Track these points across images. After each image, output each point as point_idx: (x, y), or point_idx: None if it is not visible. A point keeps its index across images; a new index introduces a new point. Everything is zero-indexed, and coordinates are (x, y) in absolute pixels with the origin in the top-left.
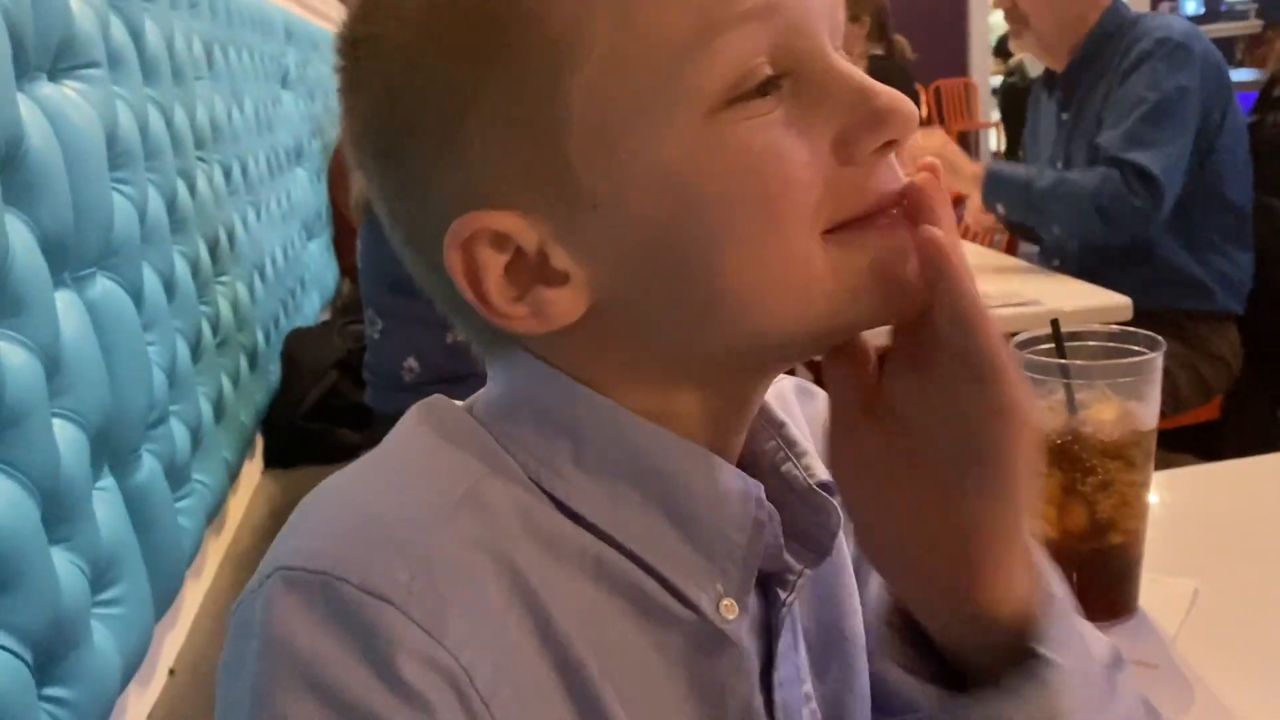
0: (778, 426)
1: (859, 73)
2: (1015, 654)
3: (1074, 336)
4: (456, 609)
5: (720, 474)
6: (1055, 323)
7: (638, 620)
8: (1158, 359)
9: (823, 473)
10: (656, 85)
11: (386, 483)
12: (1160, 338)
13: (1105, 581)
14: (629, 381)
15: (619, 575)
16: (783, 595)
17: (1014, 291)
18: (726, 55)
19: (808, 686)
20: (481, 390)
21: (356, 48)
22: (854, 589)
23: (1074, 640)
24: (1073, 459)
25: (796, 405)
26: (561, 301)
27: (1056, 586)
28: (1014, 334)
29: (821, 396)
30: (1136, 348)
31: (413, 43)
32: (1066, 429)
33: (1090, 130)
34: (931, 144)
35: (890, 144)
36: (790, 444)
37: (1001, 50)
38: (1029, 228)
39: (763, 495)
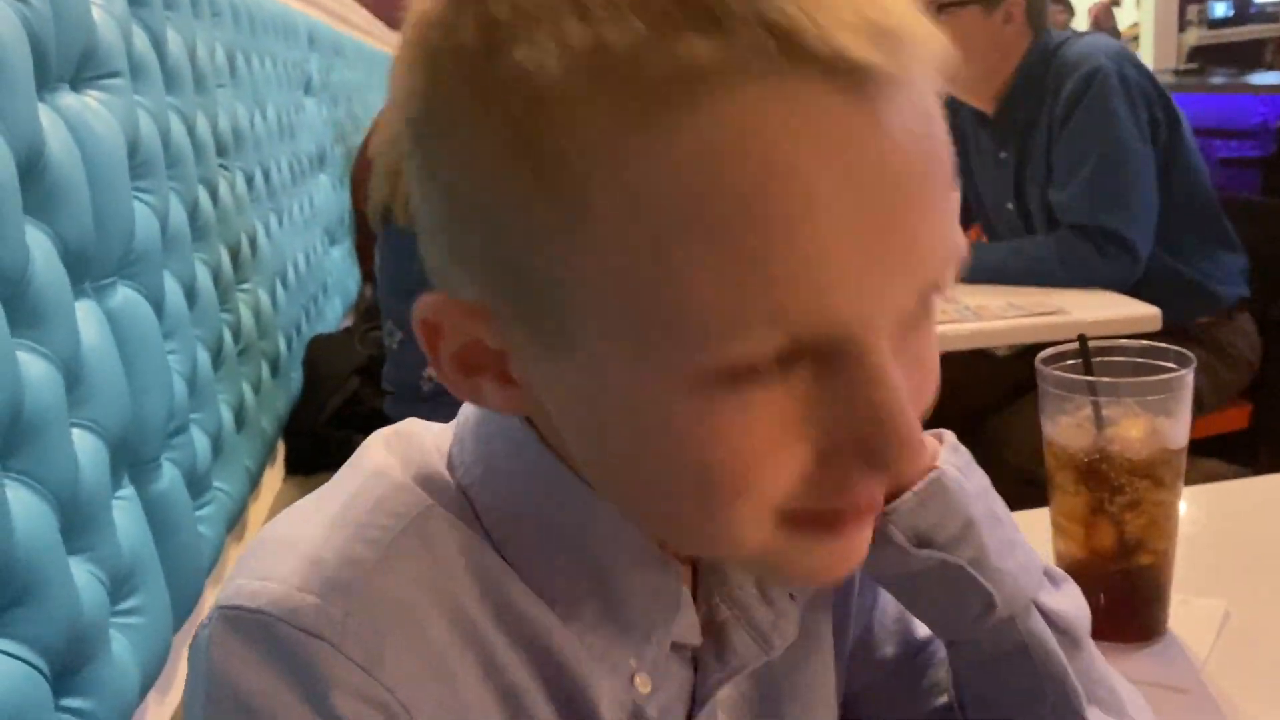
0: None
1: (894, 394)
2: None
3: (1101, 352)
4: (394, 645)
5: (650, 566)
6: (1083, 338)
7: (575, 656)
8: (1188, 375)
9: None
10: (651, 331)
11: (329, 519)
12: (1190, 354)
13: (1133, 603)
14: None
15: (546, 635)
16: (717, 674)
17: (1040, 301)
18: (740, 351)
19: None
20: (465, 408)
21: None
22: (824, 646)
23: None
24: (1100, 478)
25: None
26: (507, 402)
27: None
28: (1040, 346)
29: None
30: (1166, 364)
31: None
32: (1094, 447)
33: (1039, 173)
34: None
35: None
36: None
37: None
38: None
39: (682, 579)
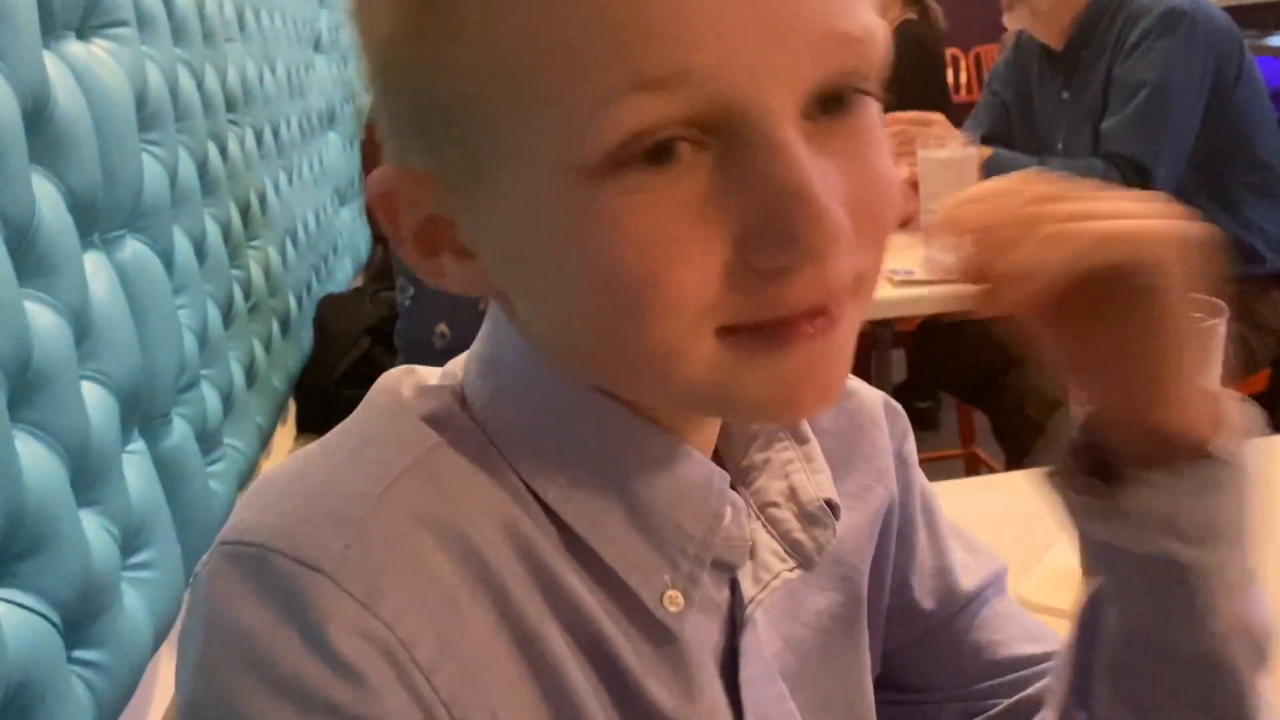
0: (802, 441)
1: (797, 167)
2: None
3: None
4: (394, 579)
5: (680, 461)
6: None
7: (594, 596)
8: (1220, 325)
9: (831, 492)
10: (533, 127)
11: (336, 454)
12: (1222, 303)
13: None
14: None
15: (573, 553)
16: (750, 592)
17: None
18: (611, 123)
19: (782, 687)
20: (477, 341)
21: None
22: (862, 616)
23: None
24: None
25: (884, 424)
26: (466, 278)
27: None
28: None
29: (904, 418)
30: (1196, 314)
31: None
32: None
33: (1094, 111)
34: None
35: (788, 269)
36: (808, 459)
37: None
38: None
39: (726, 486)
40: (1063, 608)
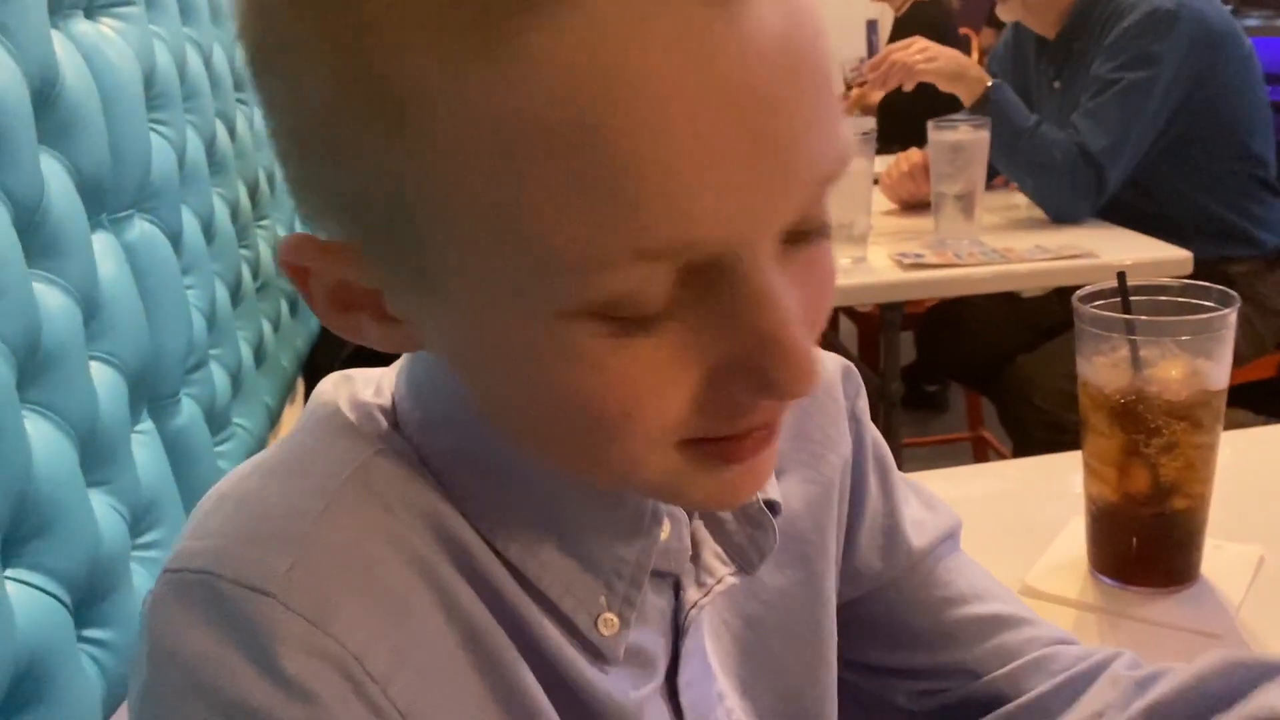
0: None
1: (779, 312)
2: None
3: (1140, 290)
4: (344, 594)
5: (612, 494)
6: (1121, 275)
7: (525, 617)
8: (1231, 315)
9: (772, 491)
10: (506, 259)
11: (277, 470)
12: (1234, 293)
13: (1167, 547)
14: None
15: (510, 572)
16: (694, 597)
17: (1070, 244)
18: (607, 286)
19: (720, 686)
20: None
21: None
22: (824, 589)
23: None
24: (1136, 419)
25: (839, 392)
26: (391, 340)
27: None
28: (1067, 289)
29: (856, 377)
30: (1207, 303)
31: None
32: (1130, 388)
33: (1077, 102)
34: (908, 56)
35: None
36: None
37: (993, 20)
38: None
39: (659, 507)
40: (1070, 596)
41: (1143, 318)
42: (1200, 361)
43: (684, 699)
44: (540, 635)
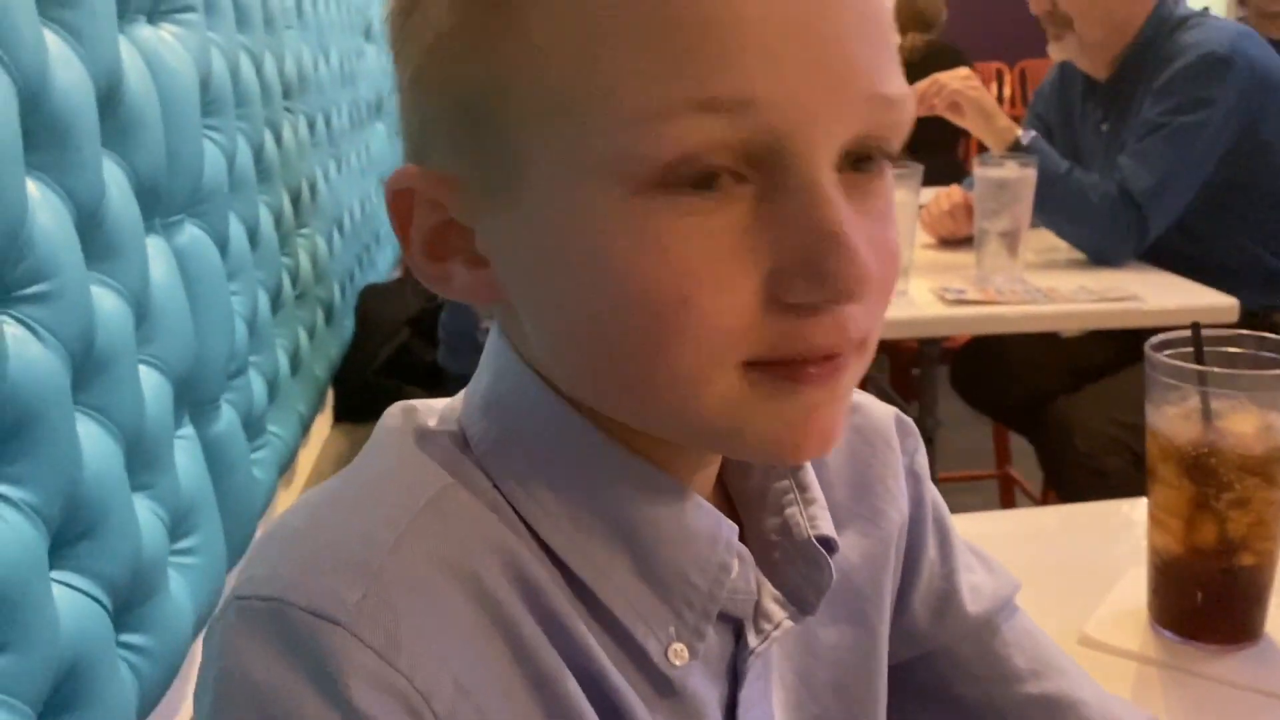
0: (795, 468)
1: (836, 210)
2: None
3: (1210, 340)
4: (412, 628)
5: (688, 511)
6: (1196, 326)
7: (601, 642)
8: None
9: (827, 526)
10: (588, 135)
11: (346, 500)
12: None
13: (1232, 604)
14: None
15: (580, 599)
16: (752, 643)
17: (1114, 286)
18: (670, 139)
19: None
20: (479, 372)
21: None
22: (878, 647)
23: None
24: (1208, 472)
25: (895, 442)
26: (474, 286)
27: None
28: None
29: (915, 432)
30: (1267, 355)
31: None
32: (1203, 440)
33: (1124, 144)
34: (957, 81)
35: (817, 307)
36: (802, 489)
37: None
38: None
39: (734, 538)
40: (1130, 649)
41: (1216, 369)
42: (1273, 415)
43: None
44: (605, 675)
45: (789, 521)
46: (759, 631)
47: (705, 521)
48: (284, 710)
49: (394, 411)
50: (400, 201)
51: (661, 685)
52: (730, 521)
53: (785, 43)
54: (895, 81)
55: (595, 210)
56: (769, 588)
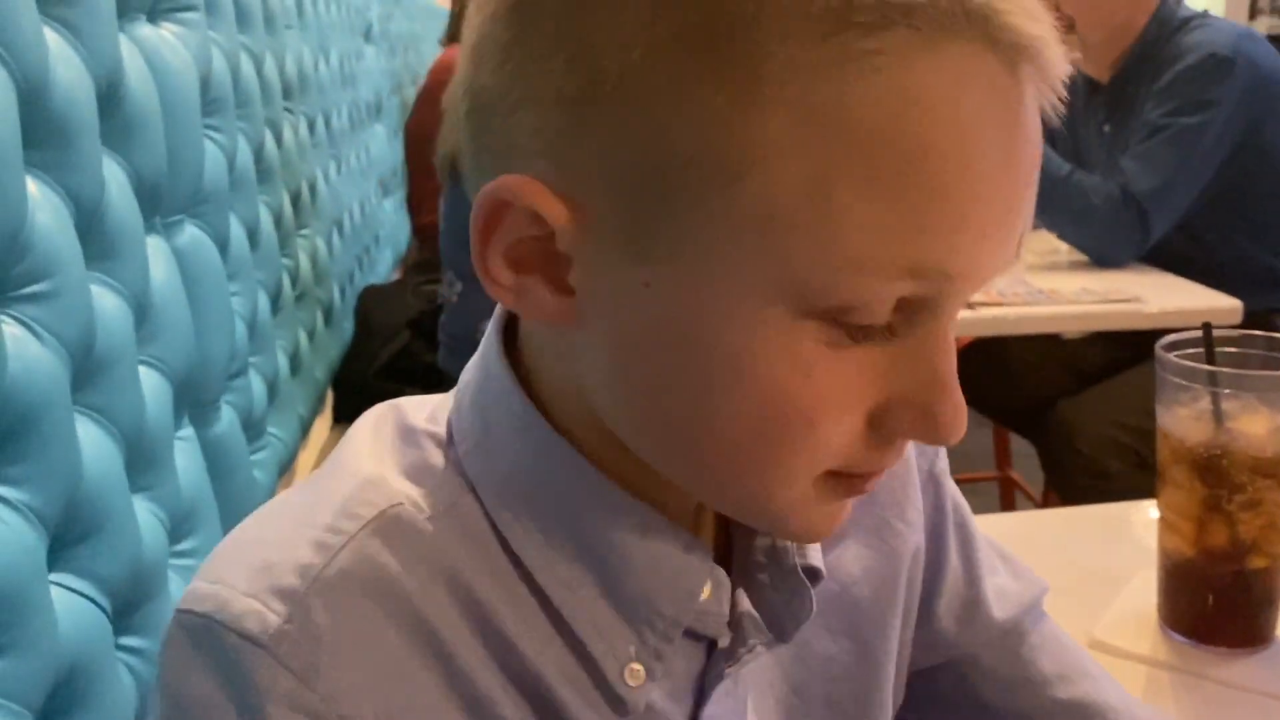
0: None
1: (952, 357)
2: None
3: (1220, 341)
4: (336, 655)
5: (663, 535)
6: (1207, 326)
7: (554, 656)
8: None
9: (815, 558)
10: (790, 256)
11: (290, 520)
12: None
13: (1243, 606)
14: (582, 417)
15: (543, 610)
16: (722, 664)
17: (1116, 288)
18: (868, 290)
19: None
20: (469, 370)
21: None
22: (876, 661)
23: None
24: (1220, 474)
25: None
26: (550, 308)
27: None
28: (1111, 333)
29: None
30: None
31: None
32: (1215, 442)
33: (1127, 146)
34: None
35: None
36: None
37: None
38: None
39: (707, 562)
40: (1140, 652)
41: (1227, 370)
42: None
43: None
44: (552, 695)
45: (777, 546)
46: (731, 652)
47: (678, 546)
48: None
49: (372, 412)
50: (493, 207)
51: (617, 704)
52: (705, 547)
53: (995, 227)
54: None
55: (753, 318)
56: (748, 609)
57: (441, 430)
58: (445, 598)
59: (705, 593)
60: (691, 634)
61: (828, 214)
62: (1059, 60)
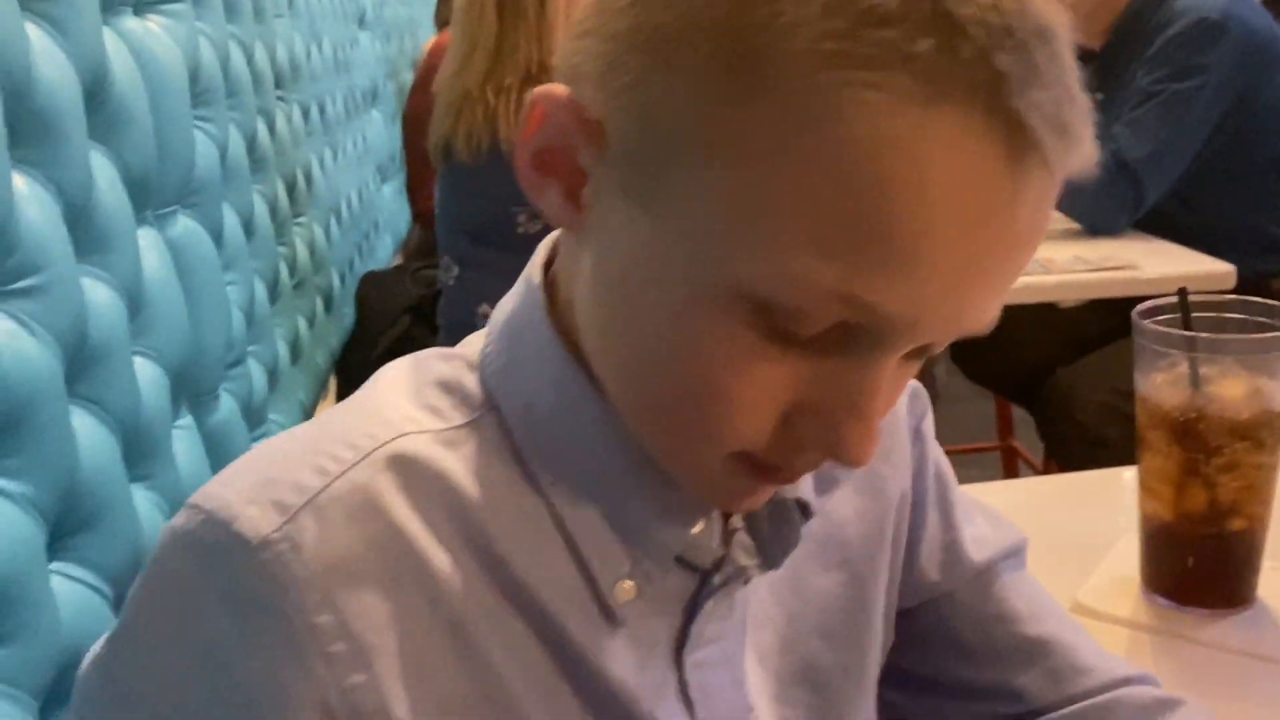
0: None
1: (876, 401)
2: None
3: (1202, 306)
4: (311, 565)
5: (659, 476)
6: (1183, 291)
7: (556, 569)
8: None
9: (806, 491)
10: (742, 239)
11: (301, 442)
12: None
13: (1223, 568)
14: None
15: (553, 520)
16: (715, 585)
17: (1110, 256)
18: (795, 297)
19: (739, 672)
20: (508, 295)
21: None
22: (868, 597)
23: None
24: (1196, 438)
25: (905, 405)
26: (563, 215)
27: None
28: (1107, 301)
29: (924, 397)
30: (1272, 321)
31: None
32: (1191, 406)
33: (1120, 114)
34: None
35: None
36: None
37: None
38: None
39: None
40: (1122, 615)
41: (1204, 335)
42: (1262, 380)
43: (690, 679)
44: (545, 611)
45: None
46: (723, 574)
47: (685, 506)
48: (174, 596)
49: (410, 355)
50: (540, 104)
51: (609, 615)
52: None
53: (953, 288)
54: (996, 313)
55: (703, 292)
56: (742, 537)
57: (474, 354)
58: (445, 525)
59: (698, 527)
60: (684, 563)
61: (781, 223)
62: (1083, 157)
